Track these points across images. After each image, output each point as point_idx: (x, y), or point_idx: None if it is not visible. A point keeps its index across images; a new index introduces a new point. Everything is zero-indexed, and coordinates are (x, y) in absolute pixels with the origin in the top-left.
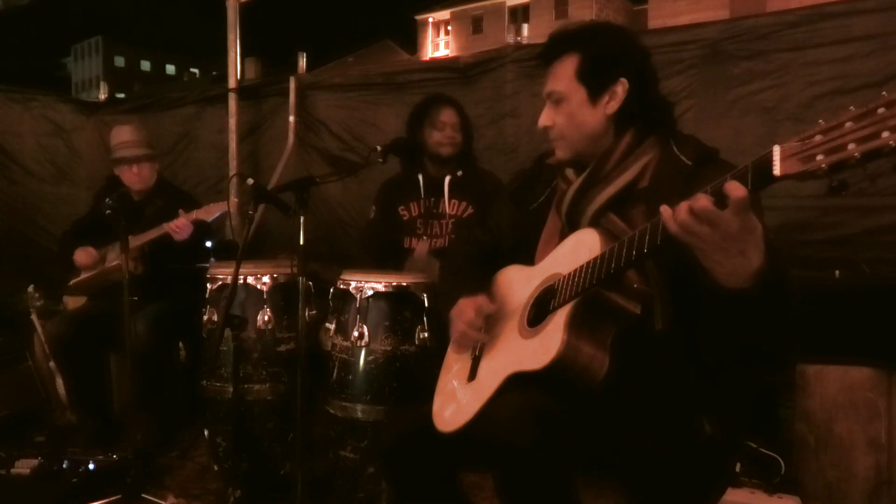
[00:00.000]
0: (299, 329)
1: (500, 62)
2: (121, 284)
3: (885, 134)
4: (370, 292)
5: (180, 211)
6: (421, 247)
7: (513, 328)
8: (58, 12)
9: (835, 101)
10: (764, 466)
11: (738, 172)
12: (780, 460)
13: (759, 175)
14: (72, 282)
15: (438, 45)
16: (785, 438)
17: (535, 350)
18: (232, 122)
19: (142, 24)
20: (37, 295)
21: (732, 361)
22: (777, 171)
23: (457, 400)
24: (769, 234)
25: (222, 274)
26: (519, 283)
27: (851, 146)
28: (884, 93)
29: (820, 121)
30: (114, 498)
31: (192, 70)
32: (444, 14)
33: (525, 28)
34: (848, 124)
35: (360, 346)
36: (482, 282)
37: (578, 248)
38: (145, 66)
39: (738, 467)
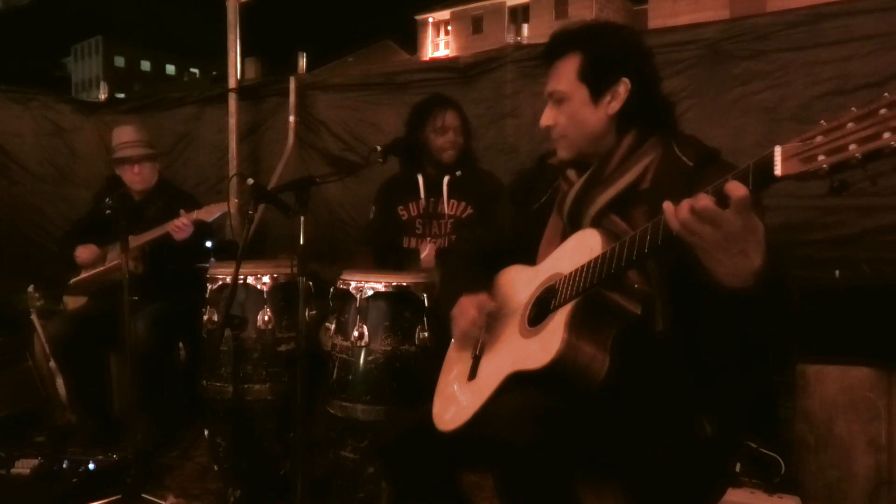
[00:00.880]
0: (299, 329)
1: (500, 62)
2: (121, 284)
3: (887, 135)
4: (370, 292)
5: (181, 211)
6: (429, 251)
7: (513, 328)
8: (58, 12)
9: (835, 101)
10: (764, 466)
11: (739, 172)
12: (780, 460)
13: (761, 175)
14: (72, 281)
15: (438, 45)
16: (785, 438)
17: (536, 349)
18: (232, 122)
19: (142, 24)
20: (37, 295)
21: (732, 362)
22: (778, 171)
23: (457, 400)
24: (770, 235)
25: (222, 274)
26: (520, 283)
27: (853, 147)
28: (885, 94)
29: (821, 121)
30: (114, 498)
31: (192, 70)
32: (444, 14)
33: (525, 28)
34: (849, 125)
35: (360, 346)
36: (484, 281)
37: (579, 249)
38: (145, 66)
39: (738, 467)
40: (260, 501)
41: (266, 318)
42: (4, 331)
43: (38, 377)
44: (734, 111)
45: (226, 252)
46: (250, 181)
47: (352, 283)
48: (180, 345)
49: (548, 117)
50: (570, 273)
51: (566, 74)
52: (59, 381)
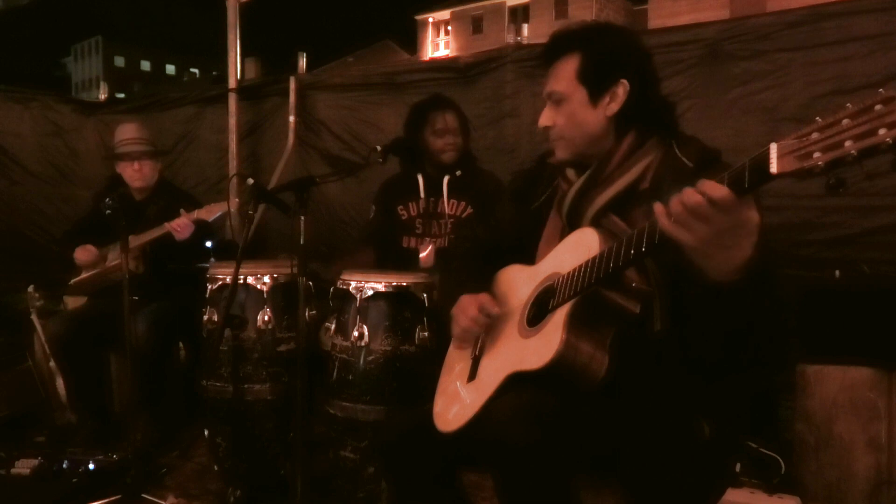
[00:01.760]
0: (299, 329)
1: (500, 62)
2: (121, 284)
3: (882, 131)
4: (370, 292)
5: (182, 210)
6: (428, 252)
7: (513, 327)
8: (58, 12)
9: (835, 101)
10: (764, 466)
11: (735, 171)
12: (780, 460)
13: (756, 173)
14: (72, 281)
15: (438, 45)
16: (785, 438)
17: (535, 349)
18: (232, 122)
19: (142, 24)
20: (37, 295)
21: (722, 359)
22: (774, 168)
23: (457, 400)
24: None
25: (222, 274)
26: (519, 283)
27: (848, 143)
28: (881, 90)
29: (817, 118)
30: (114, 498)
31: (192, 70)
32: (444, 14)
33: (525, 28)
34: (845, 121)
35: (360, 346)
36: (483, 281)
37: (578, 248)
38: (145, 66)
39: (738, 467)
40: (260, 501)
41: (266, 318)
42: (4, 331)
43: (38, 377)
44: (734, 111)
45: (226, 252)
46: (250, 181)
47: (352, 283)
48: (180, 345)
49: (546, 118)
50: (569, 272)
51: (565, 75)
52: (59, 381)
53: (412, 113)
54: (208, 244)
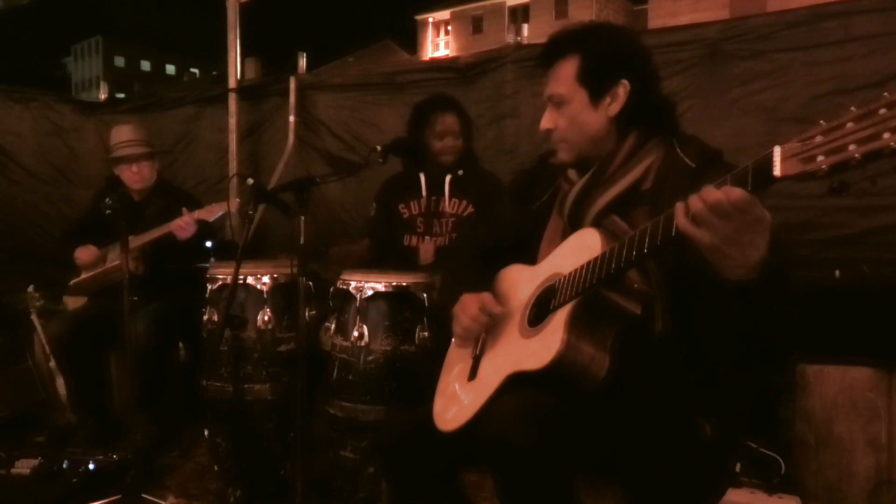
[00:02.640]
0: (299, 329)
1: (500, 62)
2: (121, 284)
3: (886, 135)
4: (370, 292)
5: (184, 209)
6: (426, 249)
7: (514, 328)
8: (58, 12)
9: (835, 101)
10: (764, 466)
11: (738, 173)
12: (780, 460)
13: (760, 176)
14: (72, 282)
15: (438, 45)
16: (785, 438)
17: (536, 350)
18: (232, 122)
19: (142, 24)
20: (37, 295)
21: (736, 359)
22: (777, 171)
23: (458, 400)
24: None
25: (222, 274)
26: (520, 283)
27: (852, 147)
28: (885, 93)
29: (821, 121)
30: (114, 498)
31: (192, 70)
32: (444, 14)
33: (525, 28)
34: (849, 125)
35: (360, 346)
36: (485, 280)
37: (579, 248)
38: (145, 66)
39: (738, 467)
40: (260, 501)
41: (266, 318)
42: (4, 331)
43: (38, 377)
44: (734, 111)
45: (226, 252)
46: (250, 181)
47: (352, 283)
48: (180, 345)
49: (547, 120)
50: (570, 273)
51: (565, 77)
52: (59, 381)
53: (414, 113)
54: (208, 244)
